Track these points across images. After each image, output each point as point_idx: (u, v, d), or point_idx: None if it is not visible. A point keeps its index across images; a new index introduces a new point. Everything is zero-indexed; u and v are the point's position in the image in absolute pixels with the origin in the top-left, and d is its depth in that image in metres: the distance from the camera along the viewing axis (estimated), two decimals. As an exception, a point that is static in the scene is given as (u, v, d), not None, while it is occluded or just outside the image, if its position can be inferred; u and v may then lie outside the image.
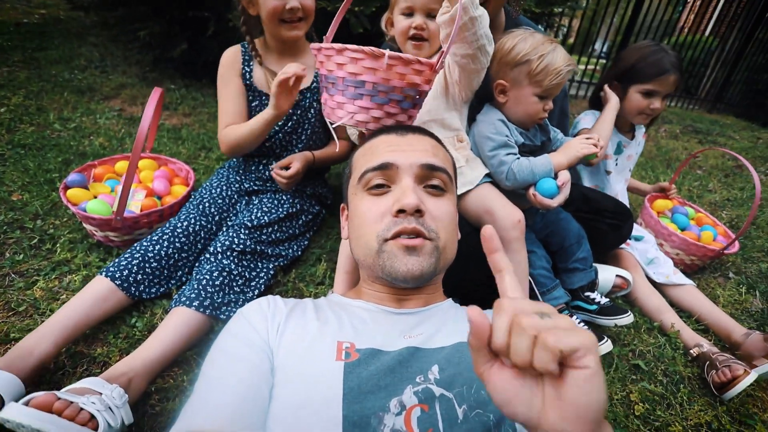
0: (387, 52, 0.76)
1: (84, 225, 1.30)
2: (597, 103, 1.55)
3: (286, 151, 1.41)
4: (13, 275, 1.16)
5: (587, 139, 1.14)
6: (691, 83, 5.65)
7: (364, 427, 0.52)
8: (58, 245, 1.27)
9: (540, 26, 3.09)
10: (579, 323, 1.16)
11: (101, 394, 0.75)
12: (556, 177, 1.10)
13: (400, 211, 0.68)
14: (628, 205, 1.52)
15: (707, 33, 5.41)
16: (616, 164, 1.62)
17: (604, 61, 5.75)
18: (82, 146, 1.87)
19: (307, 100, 1.38)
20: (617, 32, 4.88)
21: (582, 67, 4.83)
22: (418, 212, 0.68)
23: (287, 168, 1.30)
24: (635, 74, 1.41)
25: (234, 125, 1.31)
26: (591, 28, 4.87)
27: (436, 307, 0.75)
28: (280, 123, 1.36)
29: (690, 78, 5.60)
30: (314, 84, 1.38)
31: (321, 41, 1.29)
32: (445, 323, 0.70)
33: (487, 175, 1.13)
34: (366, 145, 0.81)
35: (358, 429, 0.52)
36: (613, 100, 1.42)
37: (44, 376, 0.92)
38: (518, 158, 1.11)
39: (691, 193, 2.45)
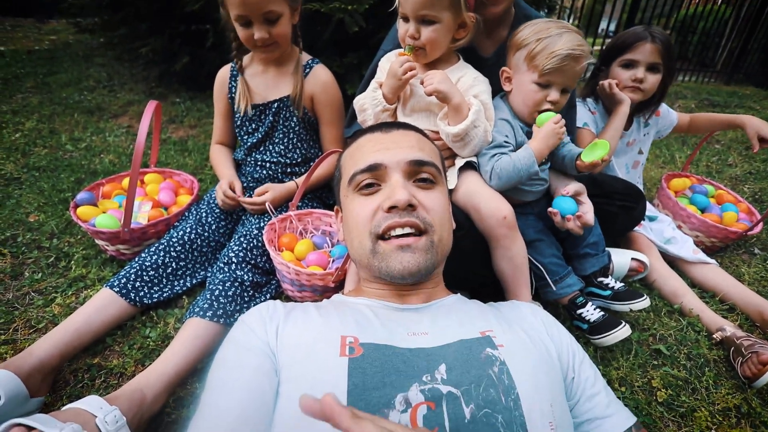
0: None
1: (96, 241, 1.33)
2: (588, 91, 1.52)
3: (283, 156, 1.43)
4: (32, 293, 1.20)
5: (556, 123, 1.06)
6: (705, 55, 5.43)
7: None
8: (73, 262, 1.31)
9: (542, 12, 3.01)
10: (594, 309, 1.13)
11: (95, 416, 0.72)
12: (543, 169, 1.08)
13: (392, 208, 0.68)
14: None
15: (719, 1, 5.19)
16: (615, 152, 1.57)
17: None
18: (93, 165, 1.92)
19: (284, 111, 1.38)
20: (623, 9, 4.73)
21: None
22: (411, 206, 0.68)
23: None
24: (614, 50, 1.41)
25: (218, 149, 1.52)
26: (595, 6, 4.74)
27: (439, 302, 0.74)
28: (258, 135, 1.42)
29: (704, 50, 5.38)
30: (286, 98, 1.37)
31: (304, 48, 1.36)
32: (451, 319, 0.68)
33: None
34: (352, 146, 0.81)
35: None
36: (624, 105, 1.36)
37: (64, 389, 0.94)
38: (501, 157, 1.06)
39: (710, 169, 2.36)
